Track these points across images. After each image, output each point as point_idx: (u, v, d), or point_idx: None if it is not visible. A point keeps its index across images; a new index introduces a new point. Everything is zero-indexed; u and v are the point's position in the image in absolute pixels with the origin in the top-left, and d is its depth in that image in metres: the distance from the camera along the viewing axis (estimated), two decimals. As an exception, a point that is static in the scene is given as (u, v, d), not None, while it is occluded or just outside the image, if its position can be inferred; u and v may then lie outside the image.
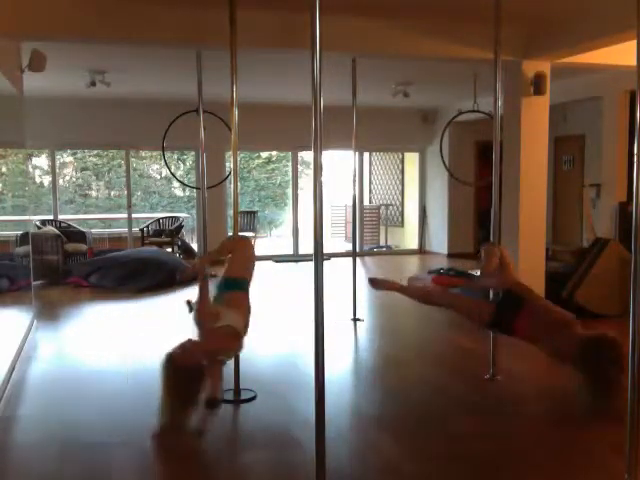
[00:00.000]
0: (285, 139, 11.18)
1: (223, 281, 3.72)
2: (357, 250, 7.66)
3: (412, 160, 12.87)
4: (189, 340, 3.35)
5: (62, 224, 10.31)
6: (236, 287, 3.69)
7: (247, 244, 4.08)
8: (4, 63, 4.79)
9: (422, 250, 12.36)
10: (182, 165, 15.94)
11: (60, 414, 3.77)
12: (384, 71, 7.75)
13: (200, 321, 3.49)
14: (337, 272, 9.13)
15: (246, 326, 3.62)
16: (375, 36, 5.21)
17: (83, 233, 10.02)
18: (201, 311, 3.51)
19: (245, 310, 3.65)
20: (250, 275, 3.83)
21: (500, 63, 4.25)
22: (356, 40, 5.18)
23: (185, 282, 3.67)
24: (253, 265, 3.90)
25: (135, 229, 11.30)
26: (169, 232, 11.32)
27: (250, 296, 3.73)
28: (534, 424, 3.62)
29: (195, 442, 3.24)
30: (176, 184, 15.55)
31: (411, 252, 12.42)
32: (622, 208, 7.70)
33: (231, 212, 4.10)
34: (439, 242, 11.95)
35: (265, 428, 3.58)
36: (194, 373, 3.20)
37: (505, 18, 4.24)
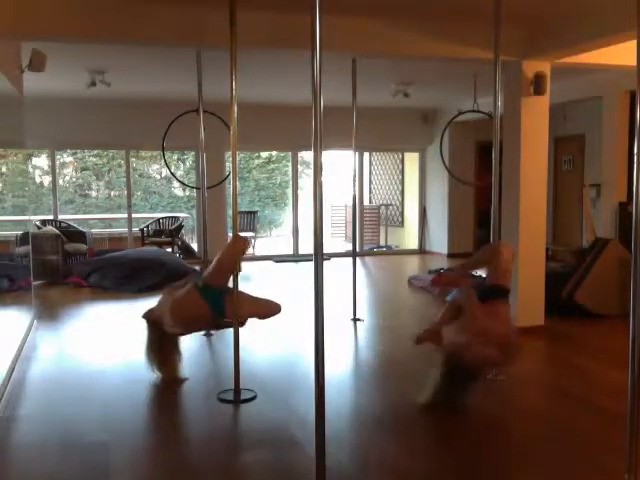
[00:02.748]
0: (285, 139, 11.17)
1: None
2: (357, 250, 7.66)
3: (412, 160, 12.87)
4: None
5: (62, 224, 10.30)
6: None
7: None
8: (4, 63, 4.79)
9: (422, 250, 12.35)
10: (182, 165, 15.93)
11: (60, 414, 3.77)
12: (384, 71, 7.74)
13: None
14: (337, 272, 9.13)
15: None
16: (375, 36, 5.20)
17: (83, 233, 10.01)
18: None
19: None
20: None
21: (500, 63, 4.25)
22: (356, 40, 5.17)
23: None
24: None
25: (135, 229, 11.29)
26: (169, 232, 11.31)
27: None
28: (534, 424, 3.63)
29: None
30: (176, 184, 15.53)
31: (411, 252, 12.41)
32: (622, 208, 7.70)
33: (231, 212, 4.10)
34: (439, 242, 11.94)
35: (265, 428, 3.57)
36: None
37: (505, 18, 4.24)
